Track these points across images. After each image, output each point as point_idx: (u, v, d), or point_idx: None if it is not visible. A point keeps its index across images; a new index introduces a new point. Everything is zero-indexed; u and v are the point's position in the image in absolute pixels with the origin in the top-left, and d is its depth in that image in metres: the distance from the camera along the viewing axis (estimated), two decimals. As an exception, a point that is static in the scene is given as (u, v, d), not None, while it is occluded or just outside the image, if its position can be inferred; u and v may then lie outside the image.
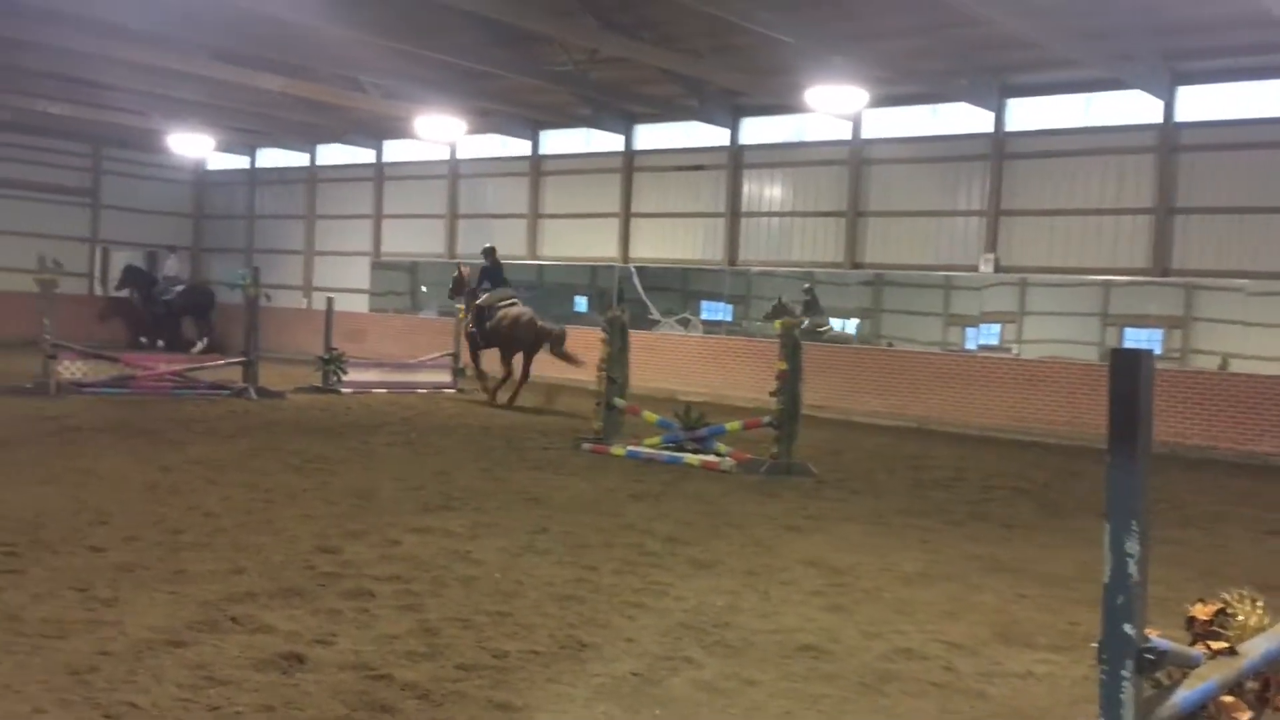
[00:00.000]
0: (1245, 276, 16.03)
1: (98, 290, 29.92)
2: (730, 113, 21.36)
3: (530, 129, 24.43)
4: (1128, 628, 2.83)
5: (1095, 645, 2.90)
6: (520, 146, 24.80)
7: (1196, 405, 15.29)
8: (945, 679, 4.84)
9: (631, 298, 22.34)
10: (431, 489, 9.06)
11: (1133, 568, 2.82)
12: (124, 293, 28.08)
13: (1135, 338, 17.42)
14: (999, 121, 18.27)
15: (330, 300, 19.36)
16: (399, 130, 24.92)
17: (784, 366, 11.17)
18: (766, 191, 21.38)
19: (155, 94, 22.82)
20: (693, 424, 11.96)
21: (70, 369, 15.08)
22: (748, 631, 5.39)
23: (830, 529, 8.30)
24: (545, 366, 17.53)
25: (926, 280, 19.59)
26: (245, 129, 27.41)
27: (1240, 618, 3.70)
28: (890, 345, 19.80)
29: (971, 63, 17.30)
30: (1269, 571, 7.09)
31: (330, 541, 6.82)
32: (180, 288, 27.65)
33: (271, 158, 30.65)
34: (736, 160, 21.57)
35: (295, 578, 5.90)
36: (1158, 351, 16.35)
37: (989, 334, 19.22)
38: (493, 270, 17.73)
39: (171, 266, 28.61)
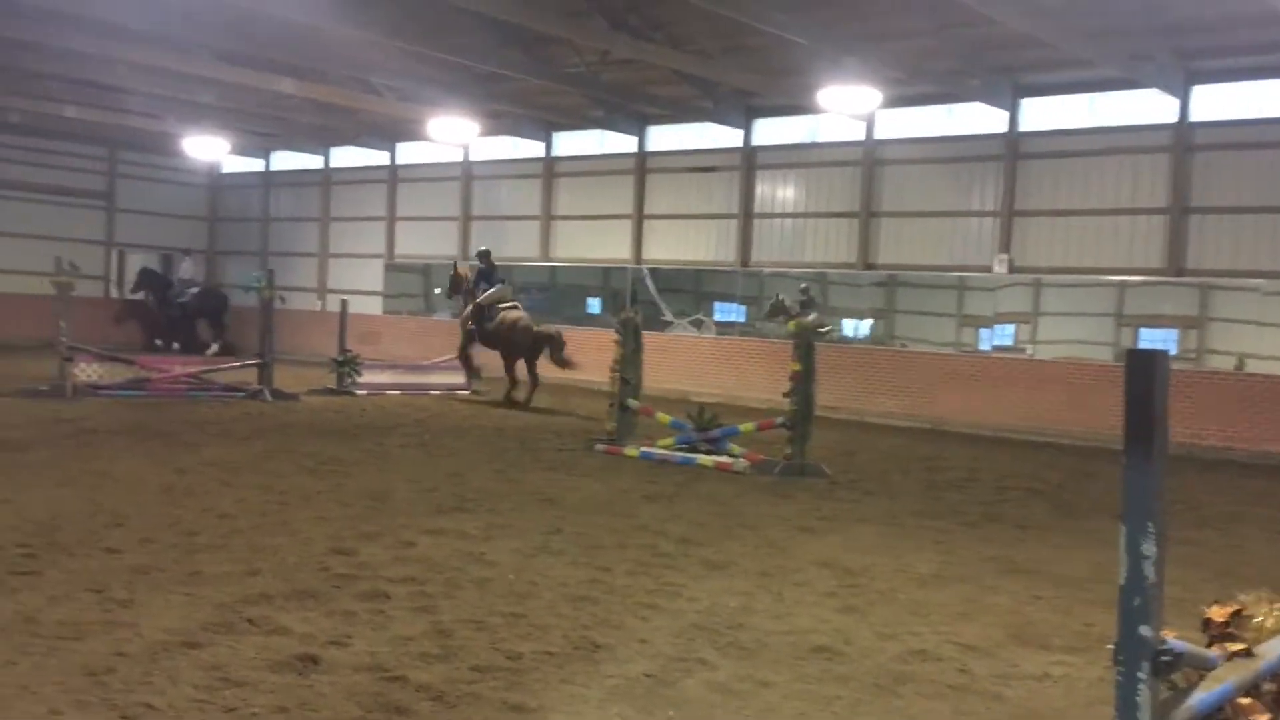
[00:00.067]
0: (1261, 276, 15.94)
1: (113, 293, 30.08)
2: (743, 114, 21.35)
3: (543, 131, 24.46)
4: (1144, 629, 2.82)
5: (1111, 647, 2.88)
6: (533, 148, 24.83)
7: (1212, 406, 15.21)
8: (960, 681, 4.83)
9: (644, 299, 22.34)
10: (445, 490, 9.08)
11: (1149, 569, 2.81)
12: (139, 295, 28.21)
13: (1150, 338, 17.33)
14: (1013, 121, 18.21)
15: (344, 302, 19.41)
16: (412, 132, 24.99)
17: (797, 367, 11.15)
18: (779, 192, 21.35)
19: (170, 97, 22.97)
20: (706, 425, 11.96)
21: (86, 371, 15.16)
22: (761, 633, 5.38)
23: (844, 530, 8.28)
24: (544, 367, 17.56)
25: (940, 281, 19.53)
26: (259, 132, 27.54)
27: (1257, 619, 3.68)
28: (904, 346, 19.75)
29: (985, 63, 17.26)
30: (1286, 573, 7.05)
31: (345, 543, 6.84)
32: (195, 290, 27.76)
33: (286, 160, 30.76)
34: (749, 161, 21.55)
35: (310, 579, 5.92)
36: (1173, 352, 16.27)
37: (1003, 335, 19.15)
38: (488, 272, 17.93)
39: (186, 269, 28.73)
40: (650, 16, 17.38)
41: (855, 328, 21.18)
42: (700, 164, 22.35)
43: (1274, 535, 9.15)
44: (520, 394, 17.16)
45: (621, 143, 23.28)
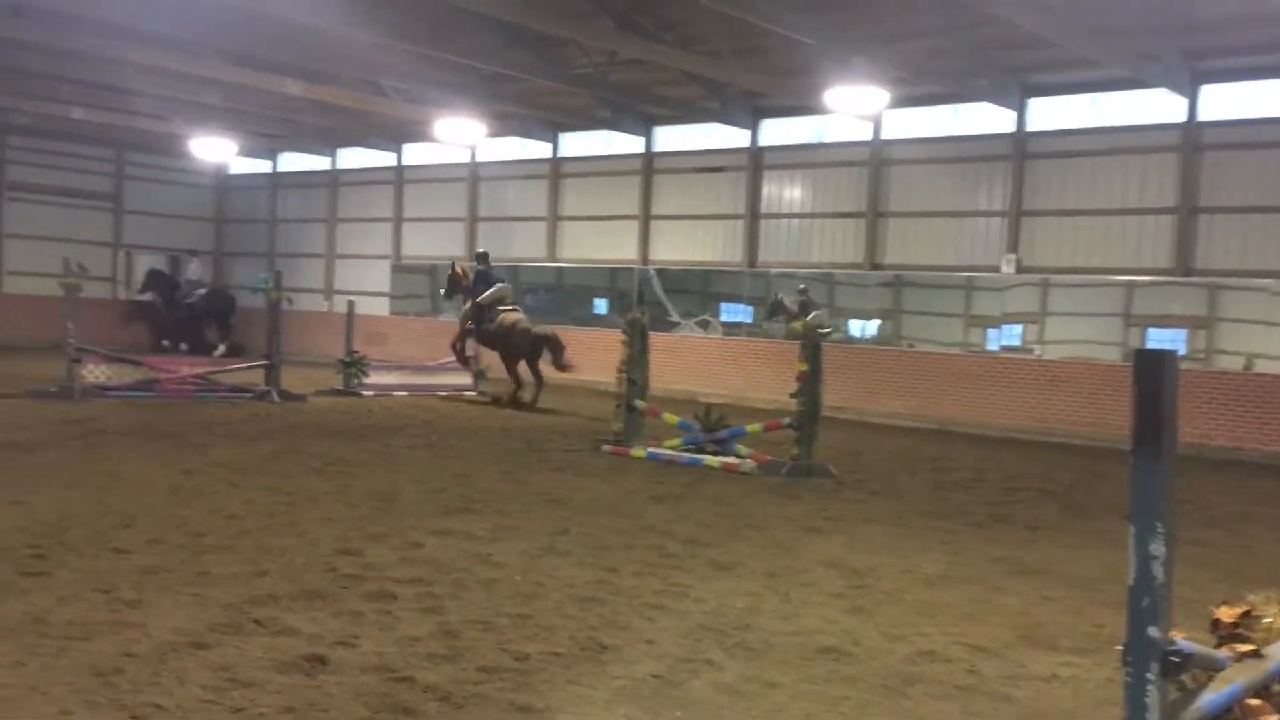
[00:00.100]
0: (1269, 276, 15.88)
1: (121, 294, 30.16)
2: (750, 114, 21.34)
3: (550, 131, 24.47)
4: (1153, 630, 2.82)
5: (1120, 648, 2.88)
6: (540, 149, 24.85)
7: (1221, 406, 15.17)
8: (968, 682, 4.82)
9: (651, 300, 22.33)
10: (452, 491, 9.08)
11: (1157, 570, 2.80)
12: (147, 296, 28.29)
13: (1159, 338, 17.29)
14: (1020, 121, 18.18)
15: (351, 303, 19.46)
16: (419, 134, 25.02)
17: (804, 368, 11.14)
18: (786, 193, 21.34)
19: (177, 99, 23.02)
20: (713, 426, 11.95)
21: (94, 373, 15.18)
22: (768, 634, 5.37)
23: (851, 531, 8.27)
24: (543, 368, 17.60)
25: (947, 281, 19.50)
26: (266, 133, 27.58)
27: (1266, 620, 3.67)
28: (911, 346, 19.73)
29: (992, 63, 17.23)
30: (1296, 573, 7.02)
31: (352, 544, 6.84)
32: (202, 291, 27.82)
33: (293, 162, 30.82)
34: (756, 162, 21.54)
35: (317, 580, 5.93)
36: (1181, 352, 16.21)
37: (1011, 335, 19.12)
38: (486, 273, 18.03)
39: (194, 270, 28.78)
40: (658, 17, 17.37)
41: (862, 328, 21.16)
42: (707, 164, 22.35)
43: (1283, 536, 9.12)
44: (526, 395, 17.20)
45: (628, 143, 23.28)
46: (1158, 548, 2.80)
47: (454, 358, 18.39)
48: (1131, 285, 17.41)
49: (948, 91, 18.21)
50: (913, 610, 5.99)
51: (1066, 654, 5.28)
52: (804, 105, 19.29)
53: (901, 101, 18.16)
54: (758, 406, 17.57)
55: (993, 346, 19.07)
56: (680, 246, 22.66)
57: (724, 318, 22.64)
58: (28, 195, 28.47)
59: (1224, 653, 3.46)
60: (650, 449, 11.99)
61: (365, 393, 17.62)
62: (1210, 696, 3.15)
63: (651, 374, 13.21)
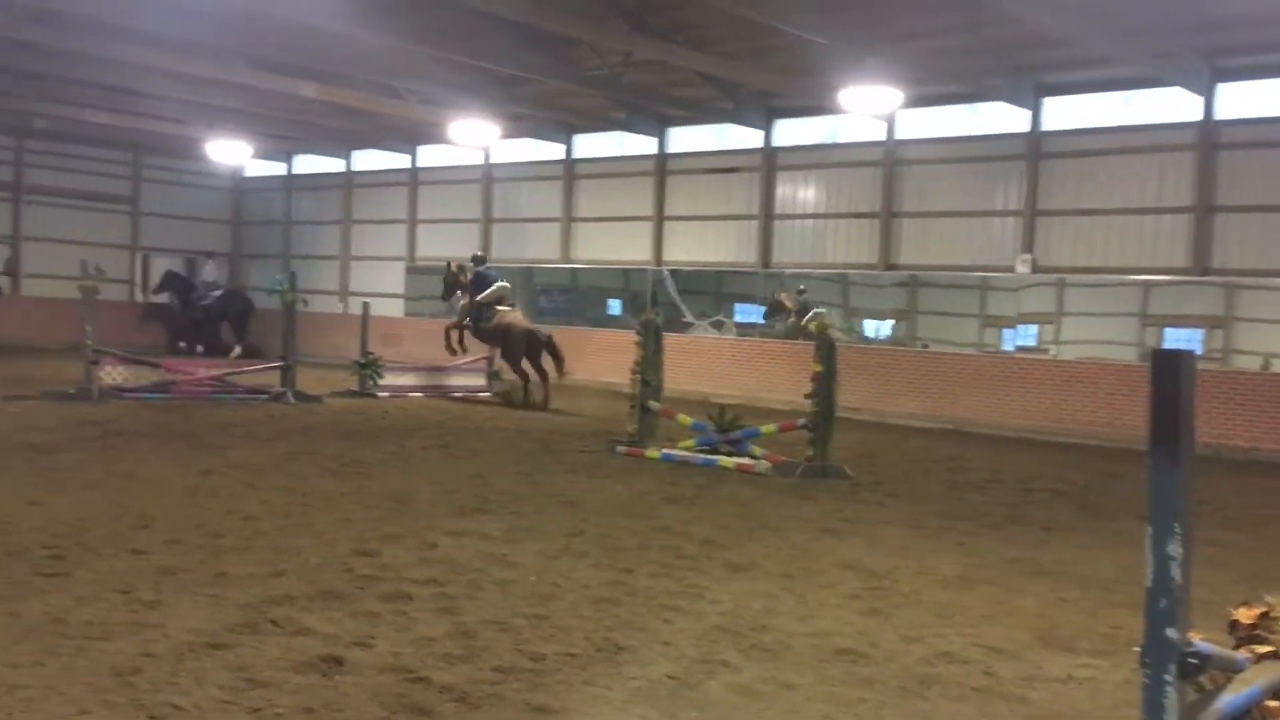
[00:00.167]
0: (1288, 275, 15.81)
1: (138, 296, 30.31)
2: (764, 114, 21.32)
3: (564, 133, 24.50)
4: (1170, 632, 2.80)
5: (1137, 649, 2.87)
6: (554, 150, 24.89)
7: (1239, 406, 15.07)
8: (985, 683, 4.81)
9: (665, 300, 22.34)
10: (468, 492, 9.10)
11: (1175, 571, 2.79)
12: (163, 298, 28.42)
13: (1176, 338, 17.20)
14: (1035, 121, 18.11)
15: (366, 305, 19.52)
16: (433, 135, 25.09)
17: (819, 368, 11.12)
18: (800, 193, 21.31)
19: (193, 102, 23.15)
20: (727, 426, 11.94)
21: (112, 374, 15.24)
22: (785, 635, 5.37)
23: (867, 532, 8.26)
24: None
25: (962, 281, 19.44)
26: (282, 135, 27.69)
27: (1285, 622, 3.65)
28: (926, 347, 19.68)
29: (1006, 62, 17.17)
30: (1315, 575, 6.98)
31: (368, 545, 6.86)
32: (218, 293, 27.93)
33: (308, 164, 30.93)
34: (770, 162, 21.52)
35: (334, 581, 5.95)
36: (1199, 352, 16.14)
37: (1026, 335, 19.05)
38: (484, 275, 18.13)
39: (210, 272, 28.90)
40: (671, 18, 17.39)
41: (877, 328, 21.12)
42: (721, 165, 22.34)
43: (1302, 537, 9.06)
44: (536, 395, 17.22)
45: (642, 144, 23.29)
46: (1175, 549, 2.79)
47: (445, 339, 18.31)
48: (1148, 285, 17.33)
49: (962, 91, 18.17)
50: (929, 612, 5.97)
51: (1084, 655, 5.26)
52: (818, 105, 19.27)
53: (916, 101, 18.11)
54: (772, 407, 17.55)
55: (1008, 347, 19.00)
56: (694, 247, 22.65)
57: (738, 318, 22.63)
58: (46, 198, 28.67)
59: (1242, 654, 3.44)
60: (665, 450, 11.99)
61: (380, 394, 17.67)
62: (1229, 698, 3.13)
63: (665, 375, 13.20)
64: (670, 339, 14.37)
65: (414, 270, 28.06)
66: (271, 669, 4.49)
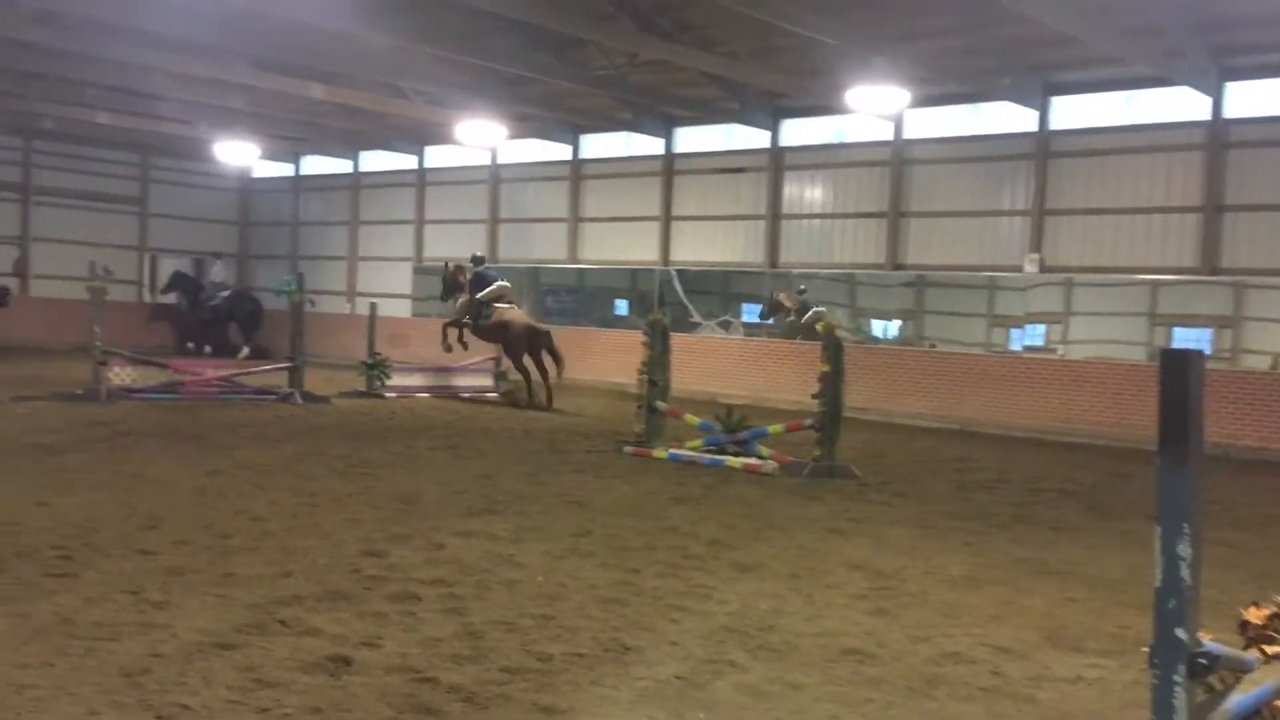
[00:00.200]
0: (1297, 274, 15.76)
1: (146, 297, 30.39)
2: (771, 114, 21.31)
3: (570, 133, 24.52)
4: (1180, 632, 2.79)
5: (1146, 649, 2.86)
6: (560, 151, 24.91)
7: (1248, 406, 15.02)
8: (993, 683, 4.80)
9: (672, 300, 22.34)
10: (475, 493, 9.11)
11: (1184, 571, 2.78)
12: (171, 298, 28.48)
13: (1184, 337, 17.16)
14: (1043, 120, 18.08)
15: (373, 305, 19.55)
16: (440, 136, 25.13)
17: (826, 369, 11.11)
18: (807, 193, 21.30)
19: (201, 103, 23.21)
20: (734, 426, 11.94)
21: (120, 375, 15.28)
22: (792, 635, 5.36)
23: (874, 532, 8.24)
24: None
25: (970, 281, 19.42)
26: (289, 136, 27.75)
27: (1295, 622, 3.63)
28: (933, 347, 19.66)
29: (1014, 61, 17.14)
30: (1324, 575, 6.96)
31: (375, 545, 6.87)
32: (226, 294, 27.97)
33: (315, 165, 31.00)
34: (777, 162, 21.51)
35: (341, 581, 5.96)
36: (1208, 352, 16.09)
37: (1034, 335, 19.02)
38: (483, 274, 18.19)
39: (218, 273, 28.94)
40: (678, 18, 17.38)
41: (884, 328, 21.10)
42: (728, 165, 22.34)
43: (1311, 537, 9.03)
44: (540, 395, 17.22)
45: (649, 144, 23.30)
46: (1184, 549, 2.78)
47: (442, 333, 18.32)
48: (1156, 284, 17.29)
49: (969, 90, 18.14)
50: (937, 612, 5.96)
51: (1092, 655, 5.25)
52: (824, 105, 19.26)
53: (923, 101, 18.10)
54: (779, 407, 17.54)
55: (1016, 346, 18.97)
56: (701, 247, 22.65)
57: (745, 318, 22.62)
58: (54, 199, 28.76)
59: (1252, 654, 3.43)
60: (672, 450, 11.99)
61: (388, 394, 17.70)
62: (1238, 698, 3.12)
63: (673, 375, 13.20)
64: (677, 339, 14.37)
65: (421, 271, 28.08)
66: (279, 669, 4.50)
